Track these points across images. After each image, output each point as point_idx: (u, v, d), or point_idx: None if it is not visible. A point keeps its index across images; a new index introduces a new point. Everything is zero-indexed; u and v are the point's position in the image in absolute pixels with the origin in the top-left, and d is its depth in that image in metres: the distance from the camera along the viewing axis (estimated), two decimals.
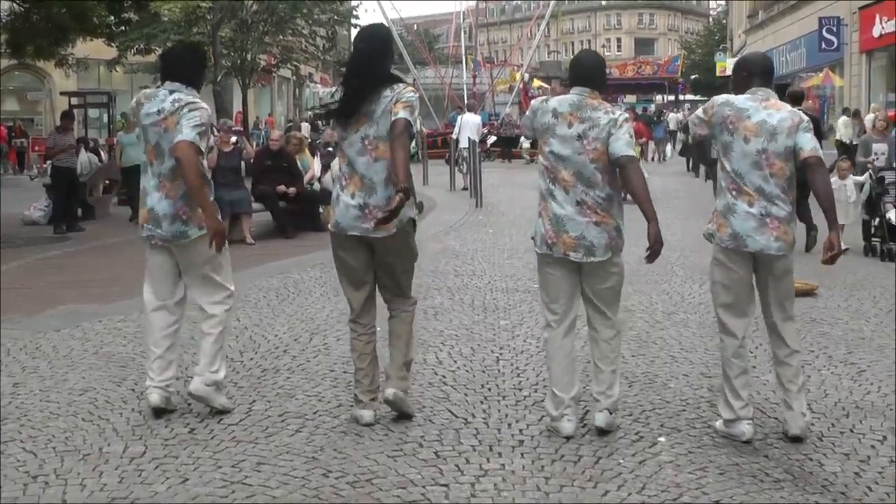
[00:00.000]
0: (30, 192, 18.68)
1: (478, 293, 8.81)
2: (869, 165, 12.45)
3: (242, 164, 13.28)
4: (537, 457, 4.62)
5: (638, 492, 4.21)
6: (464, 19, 55.74)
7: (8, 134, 30.76)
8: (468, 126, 22.12)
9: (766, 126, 4.79)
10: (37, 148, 28.48)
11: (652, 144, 32.12)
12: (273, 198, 13.38)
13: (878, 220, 11.42)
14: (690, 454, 4.68)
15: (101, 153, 17.77)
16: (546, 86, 45.61)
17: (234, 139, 14.14)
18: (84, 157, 16.77)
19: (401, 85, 4.94)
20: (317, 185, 14.38)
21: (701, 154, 17.43)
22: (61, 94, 29.10)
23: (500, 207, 17.12)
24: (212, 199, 5.15)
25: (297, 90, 55.93)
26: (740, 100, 4.91)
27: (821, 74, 29.63)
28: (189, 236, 5.17)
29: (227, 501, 4.09)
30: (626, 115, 4.96)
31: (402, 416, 5.11)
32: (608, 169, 4.79)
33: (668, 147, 34.45)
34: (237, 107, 36.19)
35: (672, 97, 53.96)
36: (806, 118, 4.93)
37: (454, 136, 22.45)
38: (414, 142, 5.00)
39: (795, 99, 10.95)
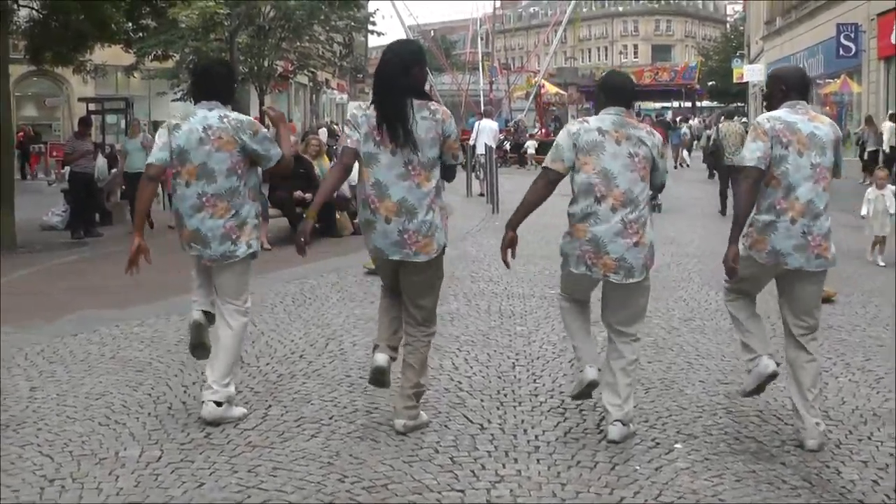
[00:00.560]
0: (47, 198, 18.79)
1: (494, 299, 8.80)
2: None
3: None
4: (553, 463, 4.61)
5: (654, 498, 4.19)
6: (481, 25, 55.83)
7: (24, 139, 30.86)
8: (485, 132, 22.01)
9: (815, 139, 4.78)
10: (55, 153, 28.58)
11: (670, 150, 32.03)
12: (290, 204, 13.42)
13: None
14: (707, 461, 4.66)
15: (119, 158, 17.82)
16: (563, 92, 45.60)
17: None
18: (101, 161, 16.85)
19: (437, 108, 4.90)
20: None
21: (716, 160, 17.38)
22: (79, 99, 29.17)
23: None
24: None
25: (314, 96, 56.06)
26: (783, 113, 4.86)
27: (838, 81, 29.52)
28: (238, 256, 5.26)
29: None
30: (660, 136, 5.06)
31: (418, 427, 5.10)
32: (647, 187, 4.88)
33: (685, 152, 34.41)
34: (254, 113, 36.26)
35: (689, 103, 53.83)
36: (840, 133, 4.97)
37: (471, 143, 22.05)
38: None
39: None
